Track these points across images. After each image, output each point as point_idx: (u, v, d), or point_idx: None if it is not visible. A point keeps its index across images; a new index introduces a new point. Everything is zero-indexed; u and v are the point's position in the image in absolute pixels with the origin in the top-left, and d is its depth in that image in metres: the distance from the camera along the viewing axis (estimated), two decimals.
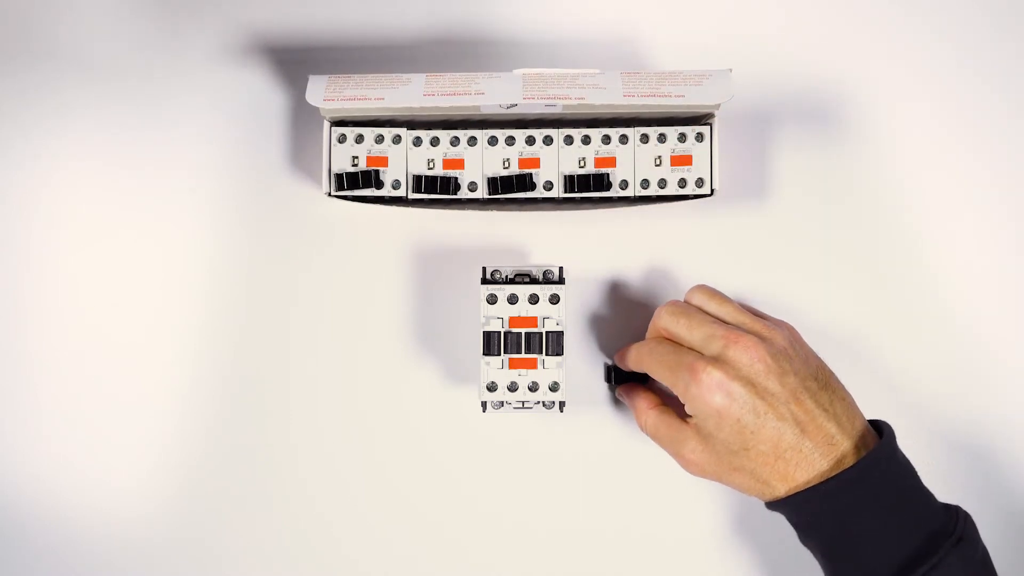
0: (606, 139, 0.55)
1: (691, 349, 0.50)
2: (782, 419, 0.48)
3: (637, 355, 0.53)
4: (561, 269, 0.54)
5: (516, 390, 0.53)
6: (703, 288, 0.53)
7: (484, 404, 0.53)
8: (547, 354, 0.53)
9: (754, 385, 0.48)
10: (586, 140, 0.55)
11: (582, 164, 0.55)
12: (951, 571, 0.46)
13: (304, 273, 0.58)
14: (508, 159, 0.55)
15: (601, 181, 0.55)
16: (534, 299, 0.53)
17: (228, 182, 0.58)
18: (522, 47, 0.59)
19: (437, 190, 0.55)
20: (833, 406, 0.49)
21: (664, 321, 0.52)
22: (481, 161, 0.55)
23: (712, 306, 0.52)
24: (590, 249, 0.58)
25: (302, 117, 0.58)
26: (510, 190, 0.55)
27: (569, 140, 0.55)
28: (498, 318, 0.53)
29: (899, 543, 0.47)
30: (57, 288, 0.58)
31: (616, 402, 0.58)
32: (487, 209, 0.56)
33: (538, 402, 0.54)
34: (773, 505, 0.50)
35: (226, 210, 0.58)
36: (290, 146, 0.58)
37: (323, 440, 0.58)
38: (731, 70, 0.54)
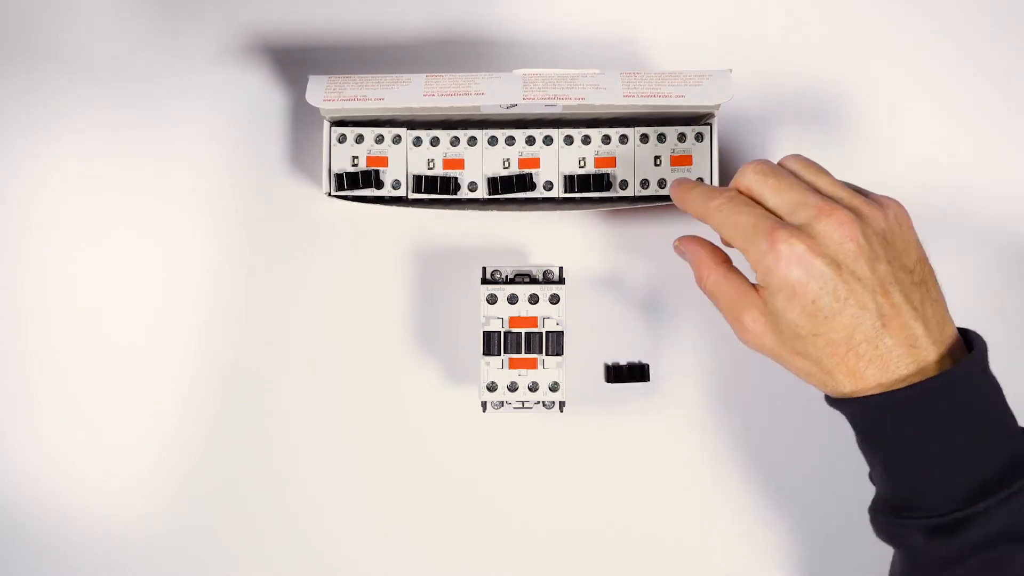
0: (606, 139, 0.55)
1: (774, 214, 0.45)
2: (863, 308, 0.43)
3: (704, 207, 0.47)
4: (561, 269, 0.54)
5: (516, 390, 0.53)
6: (800, 156, 0.48)
7: (484, 404, 0.53)
8: (547, 354, 0.53)
9: (839, 266, 0.44)
10: (586, 140, 0.55)
11: (582, 164, 0.55)
12: None
13: (304, 273, 0.58)
14: (508, 159, 0.55)
15: (601, 181, 0.55)
16: (534, 299, 0.53)
17: (228, 182, 0.58)
18: (522, 47, 0.59)
19: (437, 190, 0.55)
20: (924, 306, 0.44)
21: (748, 179, 0.46)
22: (481, 161, 0.55)
23: (808, 174, 0.47)
24: (590, 249, 0.58)
25: (302, 117, 0.58)
26: (510, 190, 0.55)
27: (569, 140, 0.55)
28: (498, 318, 0.53)
29: (976, 464, 0.43)
30: (57, 288, 0.58)
31: (616, 401, 0.58)
32: (487, 209, 0.56)
33: (538, 402, 0.54)
34: (836, 402, 0.46)
35: (226, 210, 0.58)
36: (290, 146, 0.58)
37: (323, 440, 0.58)
38: (731, 70, 0.54)
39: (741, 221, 0.45)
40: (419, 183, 0.55)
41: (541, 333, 0.53)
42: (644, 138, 0.55)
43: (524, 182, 0.55)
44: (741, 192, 0.47)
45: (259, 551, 0.57)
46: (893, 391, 0.43)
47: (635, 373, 0.57)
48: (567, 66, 0.56)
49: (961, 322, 0.47)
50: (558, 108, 0.53)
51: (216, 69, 0.59)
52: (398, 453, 0.58)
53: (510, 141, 0.55)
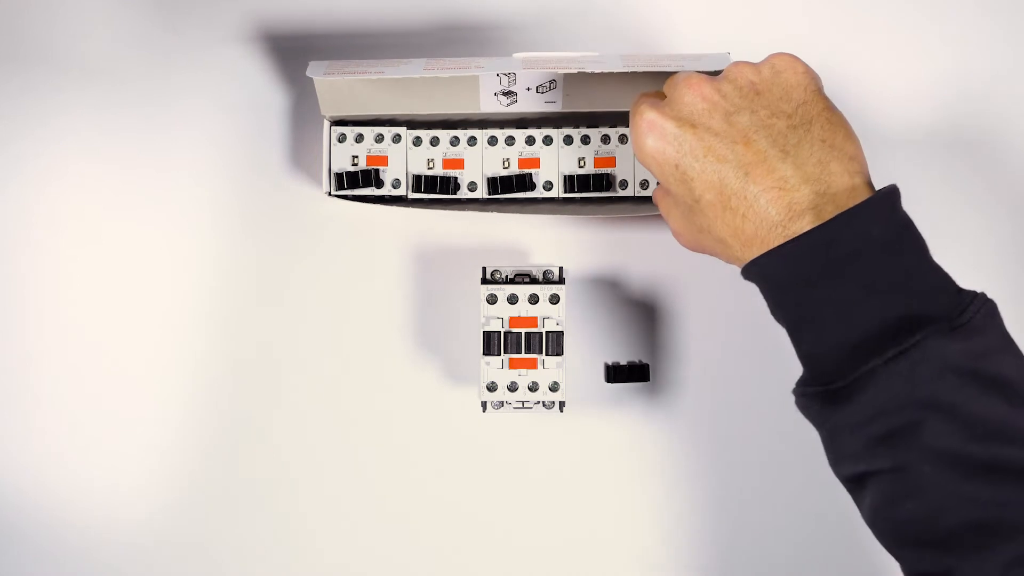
0: (606, 139, 0.55)
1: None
2: (723, 161, 0.42)
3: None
4: (561, 269, 0.54)
5: (516, 390, 0.53)
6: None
7: (484, 404, 0.53)
8: (547, 354, 0.53)
9: (694, 125, 0.43)
10: (586, 140, 0.55)
11: (582, 164, 0.55)
12: (928, 359, 0.38)
13: (304, 272, 0.58)
14: (508, 159, 0.55)
15: (601, 181, 0.55)
16: (534, 299, 0.53)
17: (228, 182, 0.58)
18: (521, 35, 0.59)
19: (437, 190, 0.55)
20: (800, 148, 0.42)
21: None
22: (481, 161, 0.55)
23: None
24: (590, 249, 0.58)
25: (302, 117, 0.58)
26: (510, 190, 0.55)
27: (569, 140, 0.55)
28: (498, 318, 0.53)
29: (865, 322, 0.39)
30: (56, 288, 0.58)
31: (616, 401, 0.58)
32: (487, 209, 0.56)
33: (538, 402, 0.54)
34: (743, 274, 0.44)
35: (226, 210, 0.58)
36: (290, 146, 0.58)
37: (323, 440, 0.58)
38: (729, 53, 0.53)
39: (633, 103, 0.47)
40: (419, 183, 0.55)
41: (541, 333, 0.53)
42: None
43: (524, 182, 0.55)
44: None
45: (259, 551, 0.57)
46: (772, 249, 0.41)
47: (635, 373, 0.57)
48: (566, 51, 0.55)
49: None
50: (558, 104, 0.53)
51: (216, 69, 0.59)
52: (398, 453, 0.58)
53: (510, 141, 0.55)
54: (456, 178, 0.55)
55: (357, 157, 0.55)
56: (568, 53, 0.54)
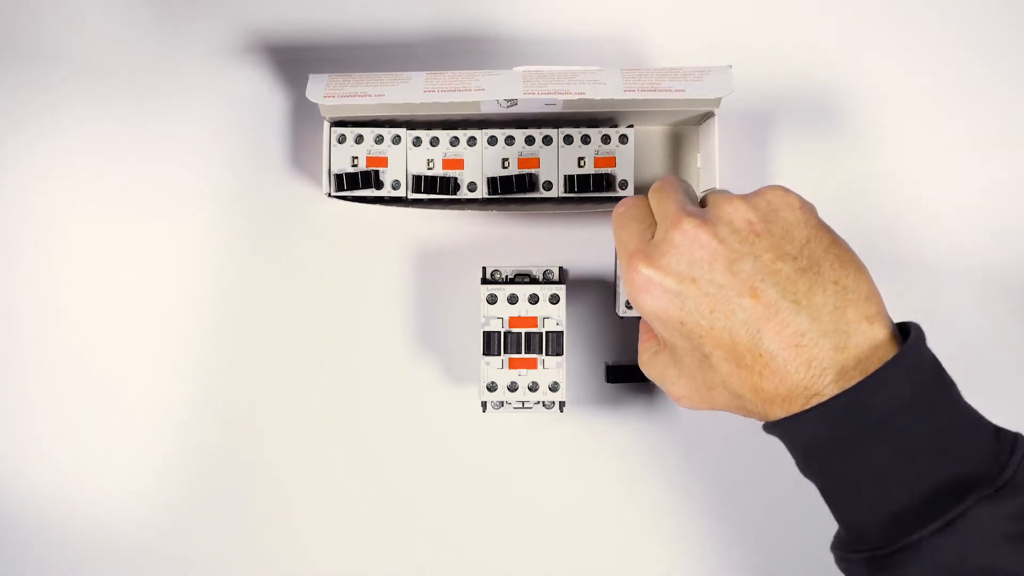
0: (606, 139, 0.55)
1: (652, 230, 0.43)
2: (730, 316, 0.39)
3: (616, 211, 0.45)
4: (561, 269, 0.54)
5: (516, 390, 0.53)
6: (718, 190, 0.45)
7: (484, 404, 0.53)
8: (547, 354, 0.53)
9: (694, 280, 0.40)
10: (586, 140, 0.55)
11: (582, 164, 0.55)
12: (978, 529, 0.36)
13: (304, 273, 0.58)
14: (508, 159, 0.55)
15: (601, 181, 0.55)
16: (534, 299, 0.53)
17: (228, 182, 0.58)
18: (522, 45, 0.59)
19: (437, 190, 0.55)
20: (811, 295, 0.39)
21: (650, 190, 0.44)
22: (481, 161, 0.55)
23: (708, 190, 0.44)
24: (590, 249, 0.58)
25: (302, 117, 0.58)
26: (510, 190, 0.55)
27: (569, 140, 0.55)
28: (498, 318, 0.53)
29: (910, 488, 0.37)
30: (55, 288, 0.58)
31: (616, 401, 0.58)
32: (487, 209, 0.56)
33: (538, 402, 0.54)
34: (765, 429, 0.41)
35: (226, 210, 0.58)
36: (290, 146, 0.58)
37: (322, 440, 0.58)
38: (731, 66, 0.54)
39: (619, 236, 0.44)
40: (419, 183, 0.55)
41: (541, 333, 0.53)
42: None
43: (524, 182, 0.55)
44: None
45: (259, 552, 0.57)
46: (798, 413, 0.38)
47: (635, 373, 0.57)
48: (567, 64, 0.56)
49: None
50: (558, 106, 0.53)
51: (216, 69, 0.59)
52: (398, 453, 0.58)
53: (510, 141, 0.55)
54: (456, 178, 0.55)
55: (357, 158, 0.55)
56: (568, 67, 0.54)
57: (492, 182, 0.55)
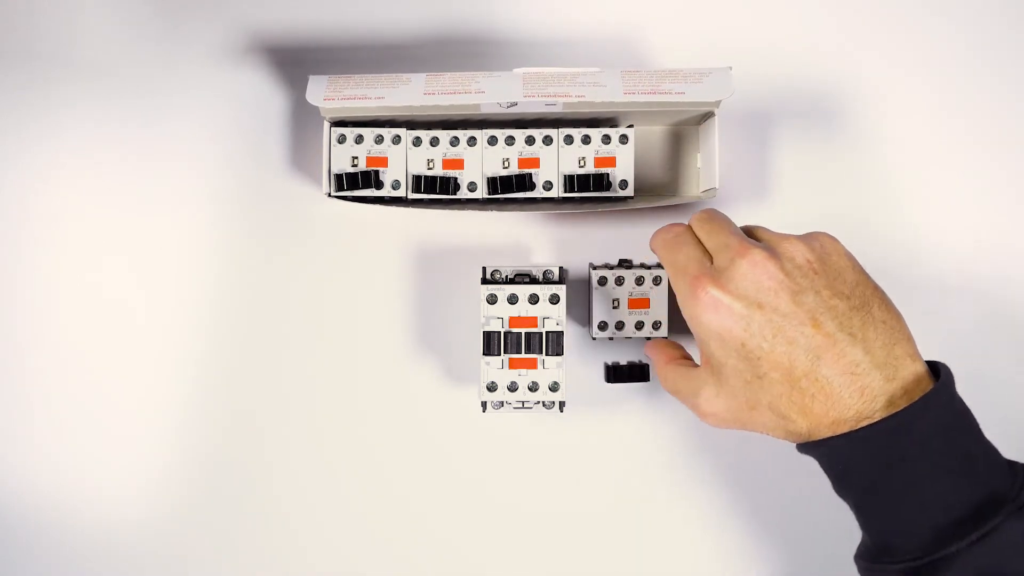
0: (606, 139, 0.55)
1: (708, 257, 0.46)
2: (792, 343, 0.43)
3: (655, 240, 0.49)
4: (561, 269, 0.54)
5: (516, 390, 0.53)
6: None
7: (484, 404, 0.53)
8: (547, 354, 0.53)
9: (760, 305, 0.44)
10: (586, 140, 0.55)
11: (582, 164, 0.55)
12: (1009, 541, 0.41)
13: (304, 273, 0.58)
14: (508, 159, 0.55)
15: (601, 181, 0.55)
16: (534, 299, 0.53)
17: (228, 182, 0.58)
18: (522, 47, 0.59)
19: (437, 190, 0.55)
20: (865, 331, 0.43)
21: (693, 221, 0.48)
22: (481, 161, 0.55)
23: (747, 226, 0.48)
24: (590, 249, 0.58)
25: (302, 117, 0.58)
26: (510, 190, 0.55)
27: (569, 140, 0.55)
28: (498, 318, 0.53)
29: (945, 503, 0.42)
30: (54, 288, 0.58)
31: (616, 401, 0.58)
32: (487, 209, 0.56)
33: (538, 402, 0.54)
34: (802, 448, 0.45)
35: (226, 210, 0.58)
36: (290, 146, 0.58)
37: (322, 441, 0.58)
38: (731, 68, 0.54)
39: (675, 260, 0.47)
40: (419, 183, 0.55)
41: (541, 333, 0.53)
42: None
43: (524, 182, 0.55)
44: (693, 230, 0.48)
45: (259, 552, 0.57)
46: (847, 433, 0.43)
47: (635, 373, 0.57)
48: (567, 65, 0.56)
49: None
50: (558, 107, 0.53)
51: (216, 69, 0.59)
52: (398, 453, 0.58)
53: (510, 141, 0.55)
54: (456, 178, 0.55)
55: (357, 158, 0.55)
56: (568, 69, 0.54)
57: (492, 182, 0.55)
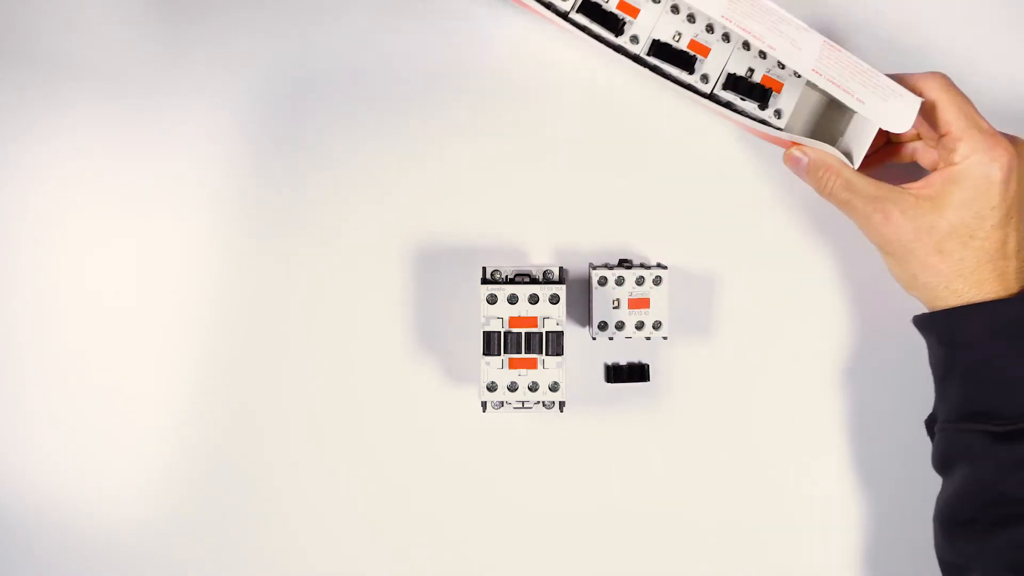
0: (781, 65, 0.54)
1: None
2: (1016, 228, 0.49)
3: (933, 79, 0.51)
4: (561, 269, 0.54)
5: (516, 390, 0.53)
6: None
7: (484, 404, 0.53)
8: (547, 354, 0.53)
9: (1021, 183, 0.49)
10: (763, 56, 0.54)
11: (749, 74, 0.54)
12: None
13: (304, 273, 0.58)
14: (681, 33, 0.54)
15: (764, 95, 0.54)
16: (534, 299, 0.53)
17: (228, 182, 0.58)
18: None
19: (603, 22, 0.53)
20: None
21: (946, 82, 0.51)
22: (655, 21, 0.54)
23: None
24: (590, 249, 0.58)
25: (302, 117, 0.58)
26: (670, 61, 0.53)
27: (747, 46, 0.54)
28: (498, 318, 0.53)
29: None
30: (54, 288, 0.58)
31: (616, 401, 0.58)
32: (634, 68, 0.53)
33: (538, 402, 0.54)
34: (934, 316, 0.50)
35: (226, 211, 0.58)
36: (290, 147, 0.58)
37: (322, 440, 0.58)
38: (921, 100, 0.50)
39: (969, 111, 0.50)
40: (586, 7, 0.53)
41: (541, 333, 0.53)
42: None
43: (686, 60, 0.53)
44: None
45: (259, 552, 0.57)
46: (1004, 300, 0.48)
47: (635, 373, 0.57)
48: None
49: None
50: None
51: (216, 69, 0.59)
52: (398, 453, 0.58)
53: (691, 19, 0.53)
54: (625, 22, 0.54)
55: None
56: (779, 9, 0.51)
57: (656, 46, 0.54)
